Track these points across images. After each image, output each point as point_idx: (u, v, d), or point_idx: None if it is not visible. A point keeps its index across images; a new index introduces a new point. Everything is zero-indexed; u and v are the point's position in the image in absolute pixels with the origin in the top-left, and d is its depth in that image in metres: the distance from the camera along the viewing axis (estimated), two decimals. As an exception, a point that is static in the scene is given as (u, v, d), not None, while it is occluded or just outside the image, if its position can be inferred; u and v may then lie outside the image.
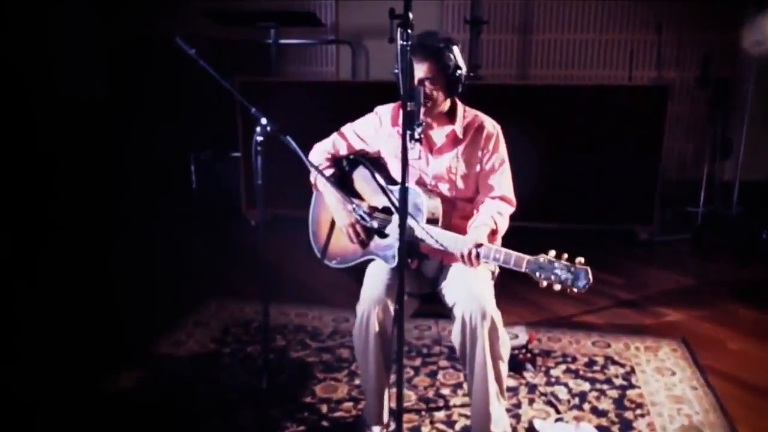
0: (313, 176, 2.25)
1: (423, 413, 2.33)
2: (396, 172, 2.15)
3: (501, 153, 2.15)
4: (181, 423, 2.30)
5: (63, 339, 2.86)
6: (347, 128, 2.26)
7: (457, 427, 2.25)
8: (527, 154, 3.73)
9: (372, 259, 2.18)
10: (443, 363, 2.66)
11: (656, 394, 2.45)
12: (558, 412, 2.34)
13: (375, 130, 2.20)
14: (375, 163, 2.21)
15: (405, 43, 1.58)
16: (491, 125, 2.15)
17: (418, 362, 2.67)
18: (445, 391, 2.46)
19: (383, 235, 2.15)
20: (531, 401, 2.40)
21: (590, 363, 2.68)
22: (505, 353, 2.03)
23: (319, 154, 2.28)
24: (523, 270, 1.81)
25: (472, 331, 1.95)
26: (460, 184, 2.13)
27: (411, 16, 1.59)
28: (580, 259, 1.75)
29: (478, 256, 1.89)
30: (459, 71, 2.03)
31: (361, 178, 2.25)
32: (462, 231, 2.04)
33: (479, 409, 2.03)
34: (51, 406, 2.35)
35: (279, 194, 3.35)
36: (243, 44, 5.56)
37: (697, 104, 5.08)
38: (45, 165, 4.96)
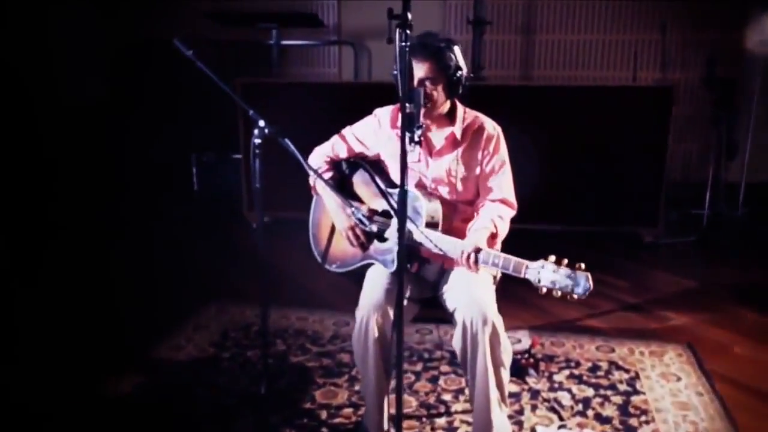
0: (313, 179, 2.23)
1: (424, 420, 2.29)
2: (396, 175, 2.12)
3: (501, 155, 2.12)
4: (180, 429, 2.27)
5: (62, 342, 2.84)
6: (347, 131, 2.24)
7: (459, 433, 2.21)
8: (531, 155, 3.71)
9: (372, 263, 2.15)
10: (445, 368, 2.63)
11: (661, 401, 2.41)
12: (561, 418, 2.30)
13: (374, 132, 2.17)
14: (375, 166, 2.19)
15: (404, 43, 1.55)
16: (491, 127, 2.12)
17: (419, 367, 2.64)
18: (447, 397, 2.43)
19: (383, 239, 2.11)
20: (534, 407, 2.37)
21: (594, 368, 2.64)
22: (507, 359, 2.00)
23: (319, 157, 2.25)
24: (522, 276, 1.78)
25: (473, 337, 1.92)
26: (460, 186, 2.10)
27: (410, 16, 1.55)
28: (581, 265, 1.71)
29: (477, 261, 1.85)
30: (460, 72, 2.00)
31: (361, 181, 2.22)
32: (463, 234, 2.01)
33: (480, 417, 2.00)
34: (50, 410, 2.33)
35: (281, 196, 3.33)
36: (244, 45, 5.53)
37: (702, 105, 5.03)
38: (46, 166, 4.95)
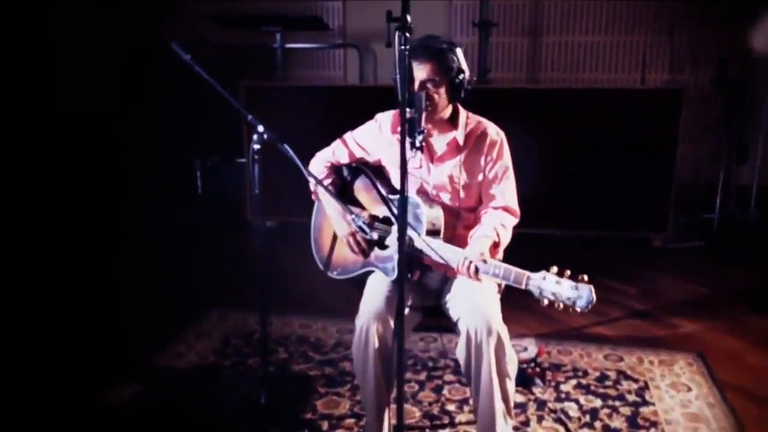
0: (313, 185, 2.19)
1: (427, 431, 2.24)
2: (397, 181, 2.06)
3: (505, 161, 2.06)
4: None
5: (64, 349, 2.82)
6: (348, 136, 2.20)
7: (463, 445, 2.17)
8: (538, 158, 3.66)
9: (373, 271, 2.10)
10: (449, 377, 2.58)
11: (671, 412, 2.34)
12: (568, 430, 2.24)
13: (375, 137, 2.13)
14: (377, 172, 2.14)
15: (403, 47, 1.51)
16: (495, 132, 2.07)
17: (422, 376, 2.59)
18: (451, 407, 2.37)
19: (383, 246, 2.07)
20: (540, 418, 2.31)
21: (602, 378, 2.58)
22: (512, 370, 1.95)
23: (320, 163, 2.21)
24: (523, 287, 1.73)
25: (477, 347, 1.87)
26: (462, 193, 2.05)
27: (409, 18, 1.51)
28: (584, 277, 1.66)
29: (477, 270, 1.80)
30: (462, 75, 1.95)
31: (362, 186, 2.18)
32: (466, 242, 1.96)
33: (485, 430, 1.94)
34: (51, 417, 2.30)
35: (286, 200, 3.29)
36: (248, 48, 5.50)
37: (712, 107, 4.96)
38: (49, 169, 4.94)
